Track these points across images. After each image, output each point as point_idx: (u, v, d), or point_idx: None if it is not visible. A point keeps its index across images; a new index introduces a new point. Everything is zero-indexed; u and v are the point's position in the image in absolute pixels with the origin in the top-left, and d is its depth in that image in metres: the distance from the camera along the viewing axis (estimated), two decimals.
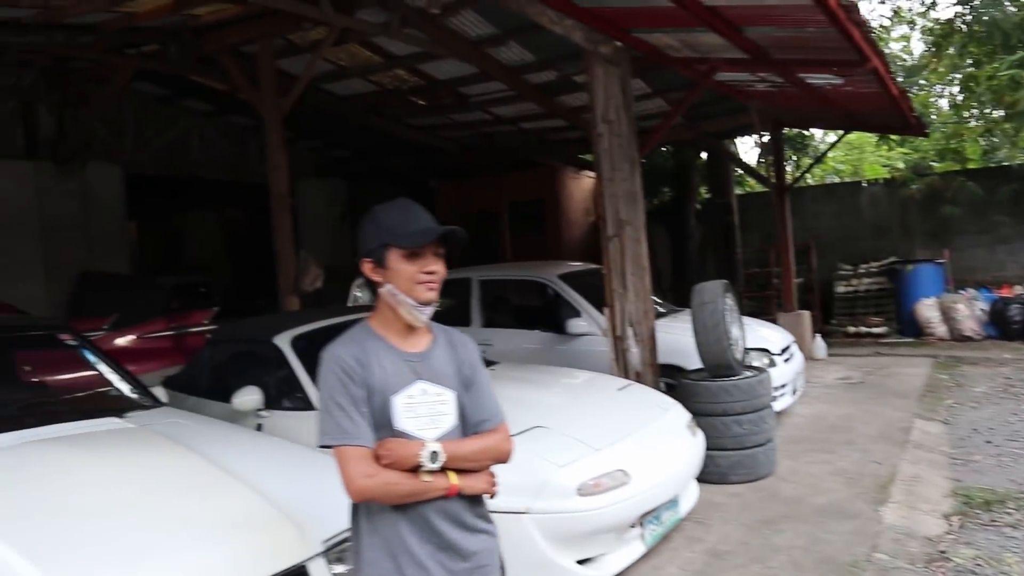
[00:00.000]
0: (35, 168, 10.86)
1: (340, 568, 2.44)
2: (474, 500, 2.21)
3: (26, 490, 2.45)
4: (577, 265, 8.65)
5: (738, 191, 16.24)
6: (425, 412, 2.13)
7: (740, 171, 15.52)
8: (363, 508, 2.14)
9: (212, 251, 20.10)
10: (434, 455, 2.07)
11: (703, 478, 5.18)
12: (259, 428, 4.48)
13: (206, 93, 11.54)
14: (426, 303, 2.14)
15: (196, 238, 20.62)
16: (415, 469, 2.06)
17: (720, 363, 5.85)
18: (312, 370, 4.66)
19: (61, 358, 4.13)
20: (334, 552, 2.44)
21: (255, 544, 2.30)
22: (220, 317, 9.32)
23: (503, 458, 2.23)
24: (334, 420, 2.07)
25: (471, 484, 2.15)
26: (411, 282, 2.12)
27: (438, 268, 2.14)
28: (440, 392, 2.16)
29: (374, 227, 2.16)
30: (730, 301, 6.08)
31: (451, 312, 7.80)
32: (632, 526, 4.10)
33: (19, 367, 3.94)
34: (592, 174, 15.89)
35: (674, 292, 13.81)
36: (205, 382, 5.11)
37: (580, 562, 3.88)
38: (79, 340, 4.05)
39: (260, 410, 4.51)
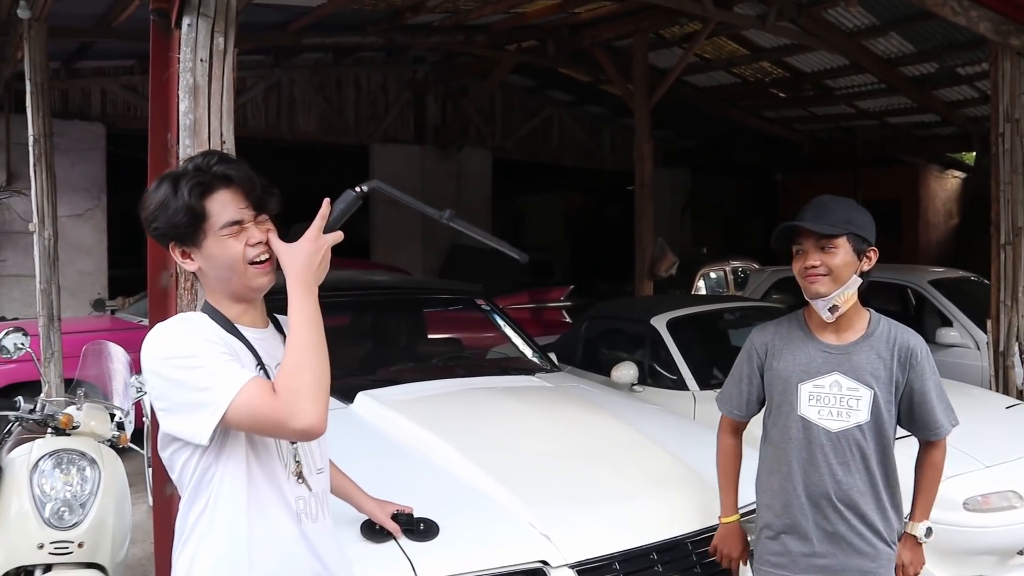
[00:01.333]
0: (421, 152, 12.39)
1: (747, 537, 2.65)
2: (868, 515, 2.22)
3: (491, 429, 2.97)
4: (947, 271, 8.07)
5: None
6: (833, 403, 2.20)
7: None
8: None
9: (551, 232, 21.34)
10: (929, 531, 2.28)
11: None
12: None
13: (568, 84, 12.36)
14: (813, 296, 2.17)
15: (536, 219, 22.00)
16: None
17: None
18: (685, 352, 4.94)
19: (477, 320, 4.80)
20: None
21: (684, 501, 2.59)
22: (572, 295, 10.02)
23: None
24: (725, 385, 2.46)
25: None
26: (800, 277, 2.20)
27: (816, 261, 2.14)
28: (855, 387, 2.18)
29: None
30: None
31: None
32: (1018, 553, 3.87)
33: (446, 324, 4.67)
34: (960, 174, 14.64)
35: None
36: (580, 353, 5.59)
37: None
38: (491, 306, 4.68)
39: (634, 384, 4.85)
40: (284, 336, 1.74)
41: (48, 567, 2.85)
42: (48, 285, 5.99)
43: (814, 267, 2.14)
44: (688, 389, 4.73)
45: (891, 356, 2.20)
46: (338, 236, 1.65)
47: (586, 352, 5.62)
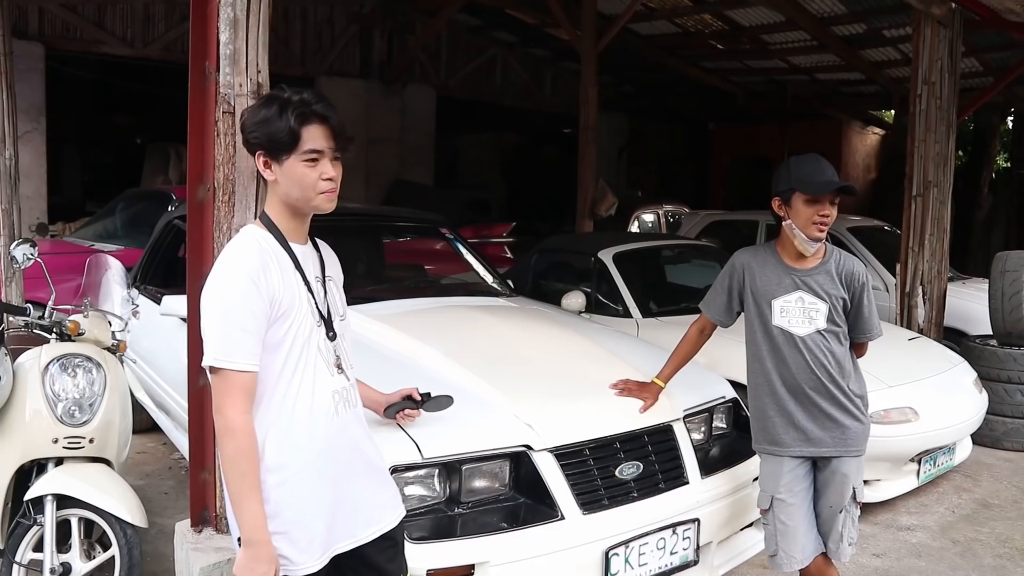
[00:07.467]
0: (367, 86, 12.45)
1: (694, 436, 3.13)
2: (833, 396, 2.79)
3: (472, 338, 3.35)
4: (864, 220, 8.72)
5: None
6: (798, 315, 2.76)
7: None
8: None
9: (487, 171, 21.50)
10: None
11: (976, 439, 5.37)
12: None
13: (513, 25, 12.52)
14: (815, 239, 2.71)
15: (473, 157, 22.11)
16: None
17: (1013, 331, 5.91)
18: (629, 283, 5.39)
19: (441, 248, 5.13)
20: (688, 421, 3.13)
21: (640, 401, 3.03)
22: (513, 232, 10.40)
23: None
24: (708, 294, 3.01)
25: None
26: (807, 222, 2.69)
27: (831, 213, 2.68)
28: (814, 302, 2.75)
29: (786, 173, 2.73)
30: None
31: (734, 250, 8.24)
32: (910, 460, 4.49)
33: (412, 251, 4.97)
34: (879, 131, 15.42)
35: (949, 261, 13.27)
36: (530, 283, 5.98)
37: None
38: (454, 235, 5.02)
39: (582, 312, 5.28)
40: (320, 255, 2.11)
41: (60, 461, 3.12)
42: (10, 205, 6.08)
43: (827, 216, 2.67)
44: (632, 317, 5.20)
45: (840, 279, 2.77)
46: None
47: (536, 283, 6.01)
